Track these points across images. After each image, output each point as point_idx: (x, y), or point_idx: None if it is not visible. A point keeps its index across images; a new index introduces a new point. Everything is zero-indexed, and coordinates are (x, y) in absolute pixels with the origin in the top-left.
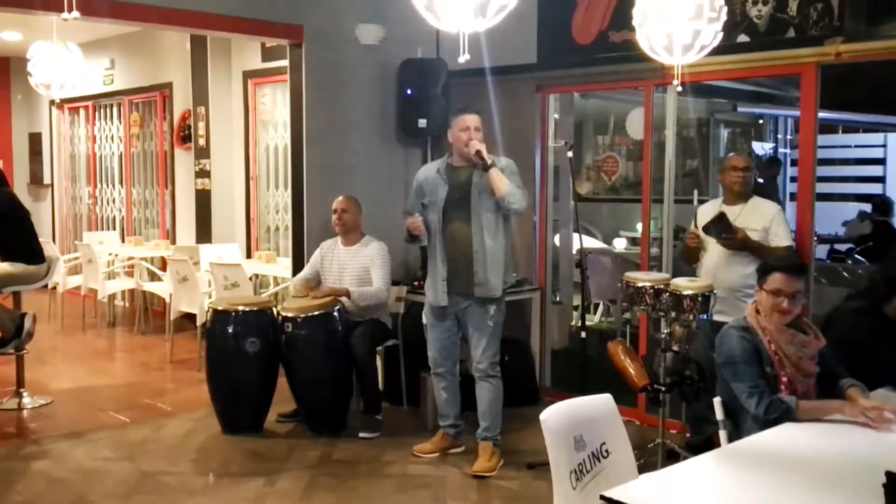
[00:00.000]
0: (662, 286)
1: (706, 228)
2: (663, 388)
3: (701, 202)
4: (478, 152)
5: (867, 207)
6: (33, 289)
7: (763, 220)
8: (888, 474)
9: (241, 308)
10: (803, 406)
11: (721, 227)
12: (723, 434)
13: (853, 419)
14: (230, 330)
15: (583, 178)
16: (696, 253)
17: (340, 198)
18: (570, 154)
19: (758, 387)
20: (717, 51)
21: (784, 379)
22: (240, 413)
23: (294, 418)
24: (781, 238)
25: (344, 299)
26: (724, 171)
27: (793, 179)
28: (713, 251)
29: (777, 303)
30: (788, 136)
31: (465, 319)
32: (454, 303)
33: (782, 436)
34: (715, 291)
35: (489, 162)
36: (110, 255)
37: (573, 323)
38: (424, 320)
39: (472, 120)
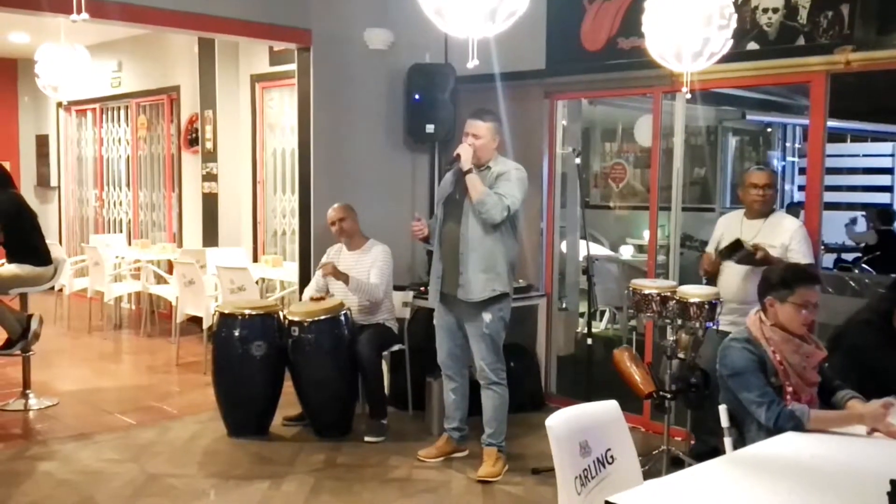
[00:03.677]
0: (669, 294)
1: (722, 254)
2: (669, 396)
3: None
4: (457, 155)
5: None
6: (40, 291)
7: (783, 236)
8: (893, 482)
9: (247, 312)
10: (816, 416)
11: (739, 254)
12: (728, 441)
13: (874, 427)
14: (236, 333)
15: (590, 185)
16: (715, 269)
17: (335, 207)
18: (577, 161)
19: (766, 395)
20: (726, 58)
21: (789, 389)
22: (245, 416)
23: (299, 422)
24: (801, 255)
25: (348, 301)
26: (743, 188)
27: (800, 188)
28: (730, 264)
29: (807, 315)
30: (797, 145)
31: (463, 325)
32: (451, 306)
33: (787, 443)
34: (722, 299)
35: (464, 168)
36: (117, 257)
37: (579, 330)
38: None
39: (469, 126)
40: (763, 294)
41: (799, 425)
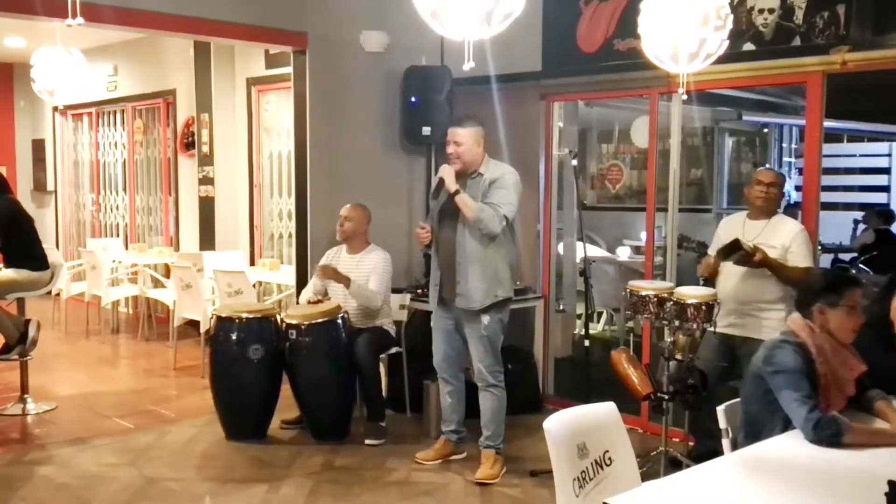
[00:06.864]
0: (666, 295)
1: (720, 254)
2: (666, 397)
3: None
4: (440, 180)
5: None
6: (37, 295)
7: (783, 238)
8: (890, 483)
9: (244, 315)
10: (856, 430)
11: (737, 255)
12: (726, 443)
13: None
14: (234, 337)
15: (587, 186)
16: (714, 272)
17: (348, 205)
18: (574, 162)
19: (811, 397)
20: (722, 59)
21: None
22: (243, 420)
23: (297, 425)
24: (801, 259)
25: (346, 304)
26: (750, 185)
27: (797, 188)
28: (728, 266)
29: (857, 319)
30: (793, 146)
31: (461, 327)
32: (449, 309)
33: (785, 444)
34: (719, 301)
35: (451, 190)
36: (114, 261)
37: (576, 331)
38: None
39: (450, 134)
40: (810, 302)
41: (837, 434)
